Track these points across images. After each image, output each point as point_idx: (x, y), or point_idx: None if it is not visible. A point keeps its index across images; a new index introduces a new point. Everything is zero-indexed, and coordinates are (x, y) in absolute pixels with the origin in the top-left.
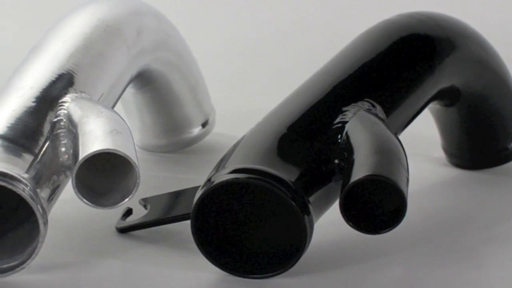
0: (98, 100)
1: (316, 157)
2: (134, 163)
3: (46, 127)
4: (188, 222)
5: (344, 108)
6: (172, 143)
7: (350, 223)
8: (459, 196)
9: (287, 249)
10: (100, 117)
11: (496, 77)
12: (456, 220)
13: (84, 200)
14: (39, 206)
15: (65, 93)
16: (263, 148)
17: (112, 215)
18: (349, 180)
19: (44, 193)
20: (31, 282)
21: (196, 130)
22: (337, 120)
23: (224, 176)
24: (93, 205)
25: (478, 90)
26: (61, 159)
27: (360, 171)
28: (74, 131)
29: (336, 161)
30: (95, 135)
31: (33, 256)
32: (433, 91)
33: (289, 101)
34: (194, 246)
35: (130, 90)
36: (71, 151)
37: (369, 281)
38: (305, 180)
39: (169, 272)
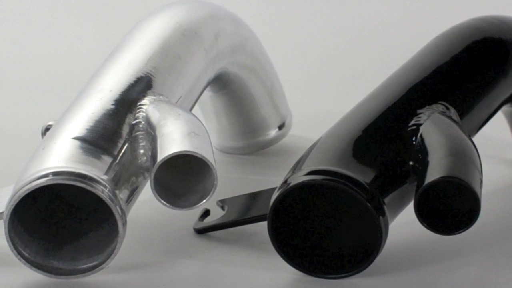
0: (176, 102)
1: (391, 159)
2: (212, 165)
3: (125, 130)
4: (265, 223)
5: (419, 111)
6: (249, 145)
7: (425, 224)
8: None
9: (362, 250)
10: (178, 119)
11: None
12: None
13: (163, 201)
14: (117, 207)
15: (143, 96)
16: (339, 150)
17: (190, 216)
18: (423, 181)
19: (122, 195)
20: (110, 282)
21: (273, 132)
22: (412, 122)
23: (300, 177)
24: (171, 206)
25: None
26: (139, 161)
27: (434, 172)
28: (153, 133)
29: (411, 163)
30: (173, 137)
31: (112, 256)
32: (506, 94)
33: (364, 104)
34: (270, 246)
35: (207, 93)
36: (150, 153)
37: (443, 281)
38: (380, 181)
39: (246, 272)
